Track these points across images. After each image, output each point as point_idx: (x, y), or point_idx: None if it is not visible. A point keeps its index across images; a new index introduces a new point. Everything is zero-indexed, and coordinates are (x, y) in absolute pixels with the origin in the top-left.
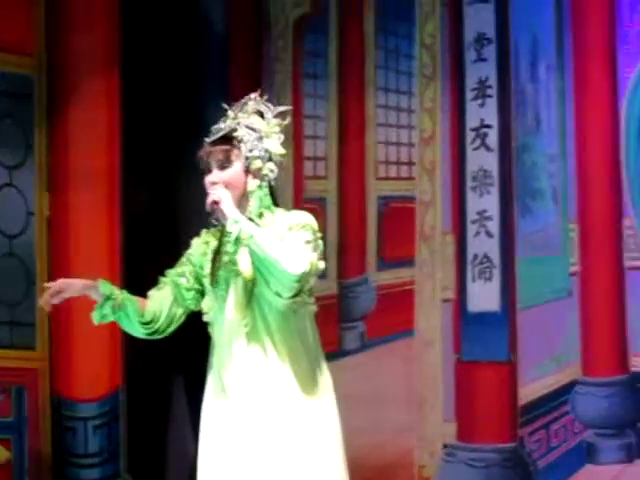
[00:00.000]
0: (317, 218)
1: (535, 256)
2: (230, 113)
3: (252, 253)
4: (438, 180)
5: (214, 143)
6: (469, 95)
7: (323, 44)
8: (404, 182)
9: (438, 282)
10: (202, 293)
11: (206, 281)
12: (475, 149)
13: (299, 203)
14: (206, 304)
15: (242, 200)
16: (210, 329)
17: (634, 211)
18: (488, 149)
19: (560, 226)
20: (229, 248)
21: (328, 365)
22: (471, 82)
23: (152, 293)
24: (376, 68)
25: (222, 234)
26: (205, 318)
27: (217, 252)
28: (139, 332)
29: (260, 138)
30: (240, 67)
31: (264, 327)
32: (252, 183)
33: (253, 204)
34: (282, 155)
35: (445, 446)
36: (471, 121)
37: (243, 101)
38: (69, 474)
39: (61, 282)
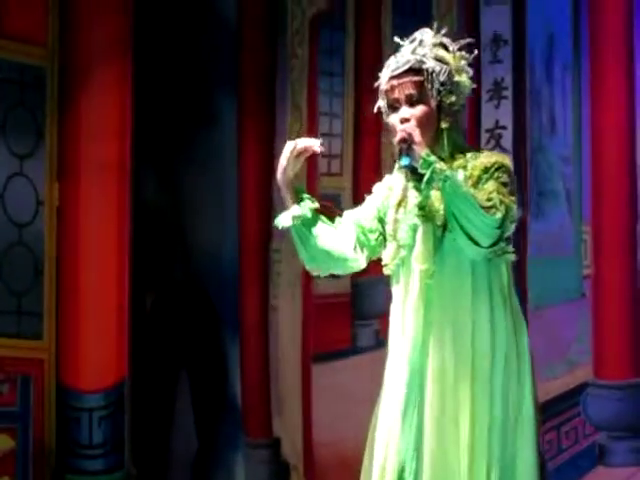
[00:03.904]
0: (331, 215)
1: (547, 257)
2: (406, 47)
3: (446, 196)
4: None
5: (400, 76)
6: (485, 96)
7: (340, 41)
8: None
9: None
10: (385, 239)
11: (389, 228)
12: (490, 150)
13: None
14: (387, 254)
15: (433, 140)
16: (392, 284)
17: None
18: (503, 150)
19: (573, 228)
20: (415, 192)
21: (340, 363)
22: (487, 83)
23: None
24: None
25: (407, 177)
26: (385, 270)
27: (402, 197)
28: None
29: (450, 71)
30: (252, 61)
31: (455, 277)
32: (444, 120)
33: (444, 144)
34: (472, 90)
35: None
36: (486, 122)
37: (418, 35)
38: (73, 465)
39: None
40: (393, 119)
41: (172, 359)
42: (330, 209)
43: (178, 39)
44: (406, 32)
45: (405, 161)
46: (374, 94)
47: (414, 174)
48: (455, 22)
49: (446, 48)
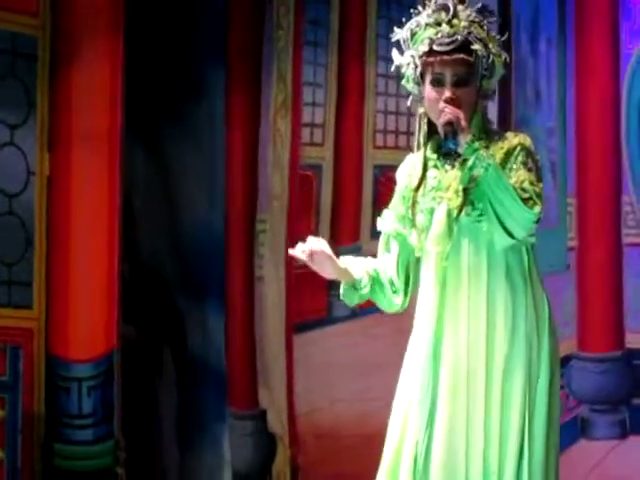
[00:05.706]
0: (312, 185)
1: None
2: (436, 14)
3: (486, 185)
4: None
5: (450, 52)
6: None
7: (324, 12)
8: (402, 152)
9: None
10: None
11: (410, 212)
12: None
13: (295, 169)
14: (413, 239)
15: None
16: (422, 267)
17: (634, 187)
18: (487, 121)
19: (558, 200)
20: (435, 172)
21: (316, 333)
22: None
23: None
24: (377, 37)
25: (426, 158)
26: (417, 253)
27: (422, 179)
28: (391, 304)
29: (493, 57)
30: (240, 33)
31: (471, 259)
32: (481, 104)
33: (475, 126)
34: (503, 76)
35: None
36: None
37: (448, 4)
38: (62, 434)
39: (318, 249)
40: (431, 93)
41: (157, 330)
42: None
43: (168, 12)
44: (392, 2)
45: (450, 145)
46: (358, 65)
47: (451, 156)
48: None
49: (481, 26)
